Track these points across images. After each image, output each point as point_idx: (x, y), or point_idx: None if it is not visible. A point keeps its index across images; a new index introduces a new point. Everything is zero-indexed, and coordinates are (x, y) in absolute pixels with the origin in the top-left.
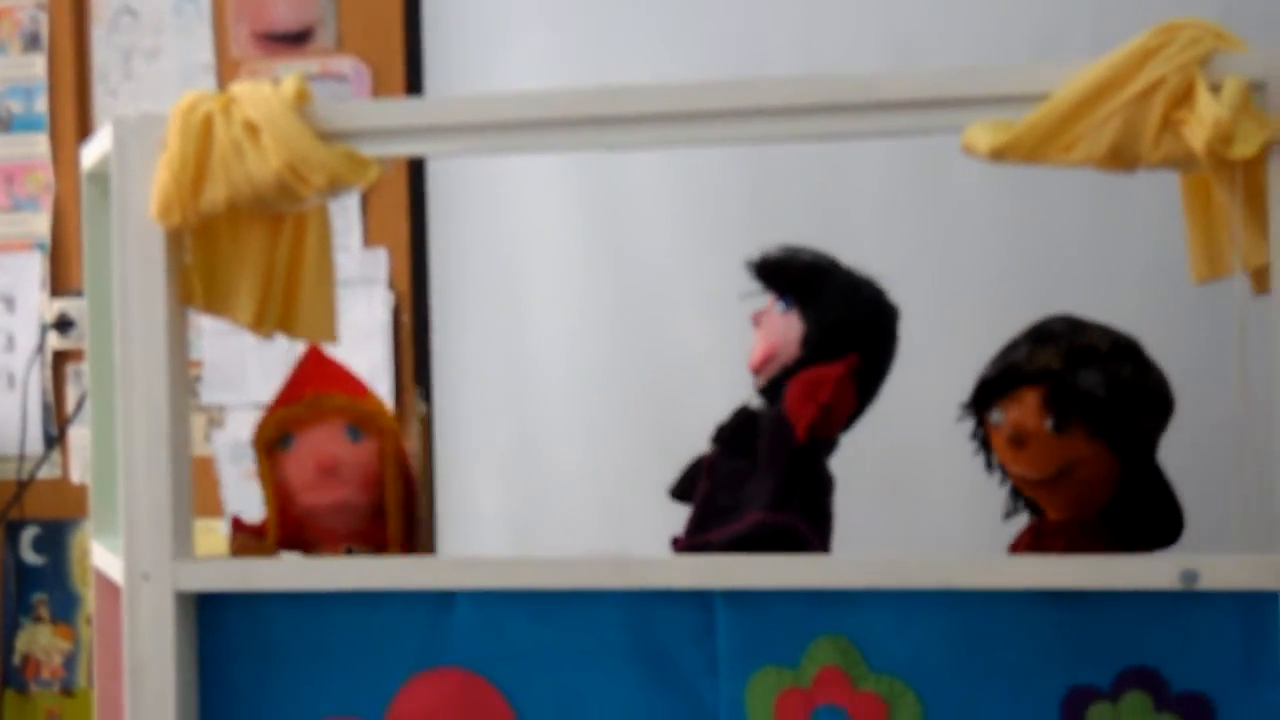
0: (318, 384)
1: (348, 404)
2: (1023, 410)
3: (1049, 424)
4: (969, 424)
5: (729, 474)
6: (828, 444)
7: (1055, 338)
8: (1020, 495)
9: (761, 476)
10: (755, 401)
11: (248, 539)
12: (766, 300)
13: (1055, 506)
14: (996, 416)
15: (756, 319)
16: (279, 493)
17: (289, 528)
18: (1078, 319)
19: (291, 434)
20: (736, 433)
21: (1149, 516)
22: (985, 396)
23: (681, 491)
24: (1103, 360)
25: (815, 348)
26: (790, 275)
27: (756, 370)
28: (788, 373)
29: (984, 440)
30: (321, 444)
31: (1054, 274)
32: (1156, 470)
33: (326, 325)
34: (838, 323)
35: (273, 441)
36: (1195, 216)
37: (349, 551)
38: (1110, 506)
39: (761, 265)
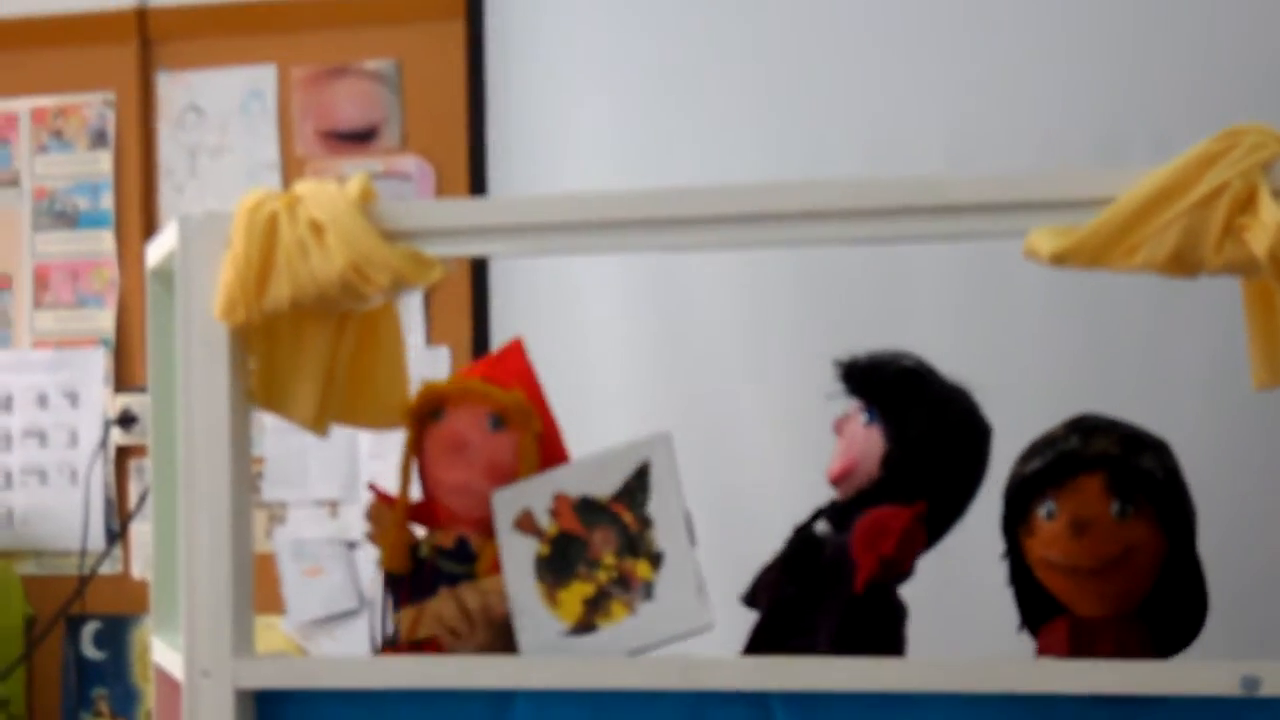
0: (486, 369)
1: (495, 392)
2: (1085, 496)
3: (1114, 507)
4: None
5: (789, 602)
6: (900, 577)
7: (1102, 428)
8: (1037, 599)
9: (824, 613)
10: (820, 525)
11: (381, 507)
12: (850, 405)
13: (1101, 600)
14: (1049, 508)
15: (839, 426)
16: (421, 463)
17: (425, 501)
18: (1106, 416)
19: (442, 409)
20: (796, 557)
21: (1182, 607)
22: (1035, 487)
23: (752, 598)
24: (1152, 448)
25: (896, 468)
26: (877, 385)
27: (835, 481)
28: (864, 496)
29: (1015, 540)
30: (462, 424)
31: (1113, 378)
32: (1196, 559)
33: (402, 413)
34: (921, 443)
35: (425, 413)
36: (1257, 323)
37: (459, 541)
38: (1148, 599)
39: (849, 370)
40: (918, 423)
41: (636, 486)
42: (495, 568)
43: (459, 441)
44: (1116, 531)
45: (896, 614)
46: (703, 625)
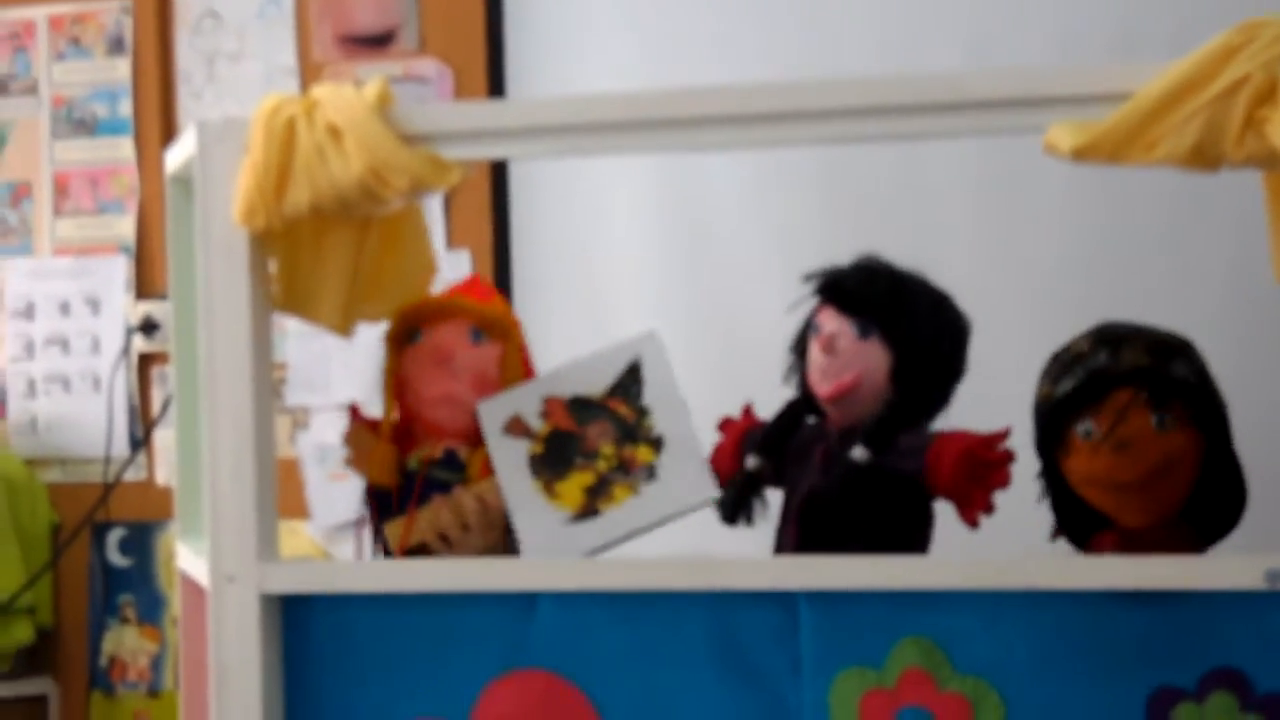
0: (473, 293)
1: (474, 306)
2: (1122, 413)
3: (1153, 421)
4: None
5: (838, 531)
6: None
7: (1129, 338)
8: (1081, 510)
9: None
10: (858, 451)
11: (361, 430)
12: (834, 322)
13: (1146, 509)
14: (1087, 427)
15: (826, 344)
16: (400, 387)
17: (404, 421)
18: (1127, 323)
19: (420, 329)
20: (848, 487)
21: (1222, 502)
22: (1071, 407)
23: (732, 514)
24: (1180, 352)
25: (905, 381)
26: (872, 301)
27: (832, 400)
28: (890, 418)
29: (1052, 459)
30: (444, 339)
31: (1135, 274)
32: (1234, 455)
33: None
34: (926, 352)
35: (401, 336)
36: (1277, 215)
37: (447, 453)
38: (1190, 499)
39: (835, 287)
40: (921, 332)
41: (630, 382)
42: (486, 472)
43: (443, 354)
44: (1157, 443)
45: (930, 526)
46: (707, 498)
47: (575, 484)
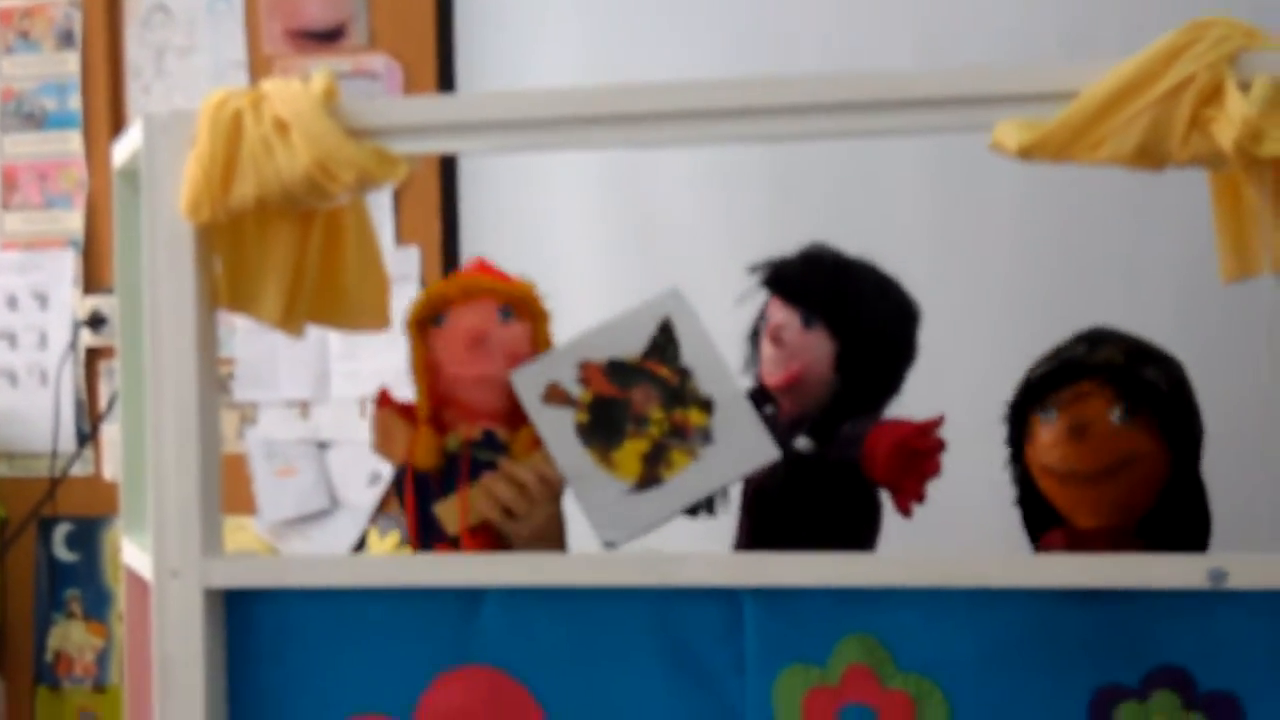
0: (491, 272)
1: (500, 285)
2: (1084, 401)
3: (1114, 413)
4: (1003, 428)
5: (783, 522)
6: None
7: (1109, 339)
8: (1040, 508)
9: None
10: (802, 441)
11: (392, 415)
12: (779, 313)
13: (1097, 509)
14: (1049, 413)
15: (774, 334)
16: (428, 371)
17: (434, 406)
18: (1119, 331)
19: (444, 312)
20: (790, 478)
21: (1184, 528)
22: (1039, 392)
23: (748, 516)
24: (1159, 361)
25: (851, 368)
26: (814, 290)
27: (780, 389)
28: (833, 408)
29: (1019, 449)
30: (472, 319)
31: (1082, 273)
32: (1199, 480)
33: (378, 313)
34: (871, 339)
35: (425, 319)
36: (1224, 216)
37: (486, 434)
38: (1148, 516)
39: (779, 278)
40: (864, 319)
41: (664, 342)
42: (530, 449)
43: (477, 335)
44: (1115, 437)
45: (878, 515)
46: (771, 454)
47: (631, 452)
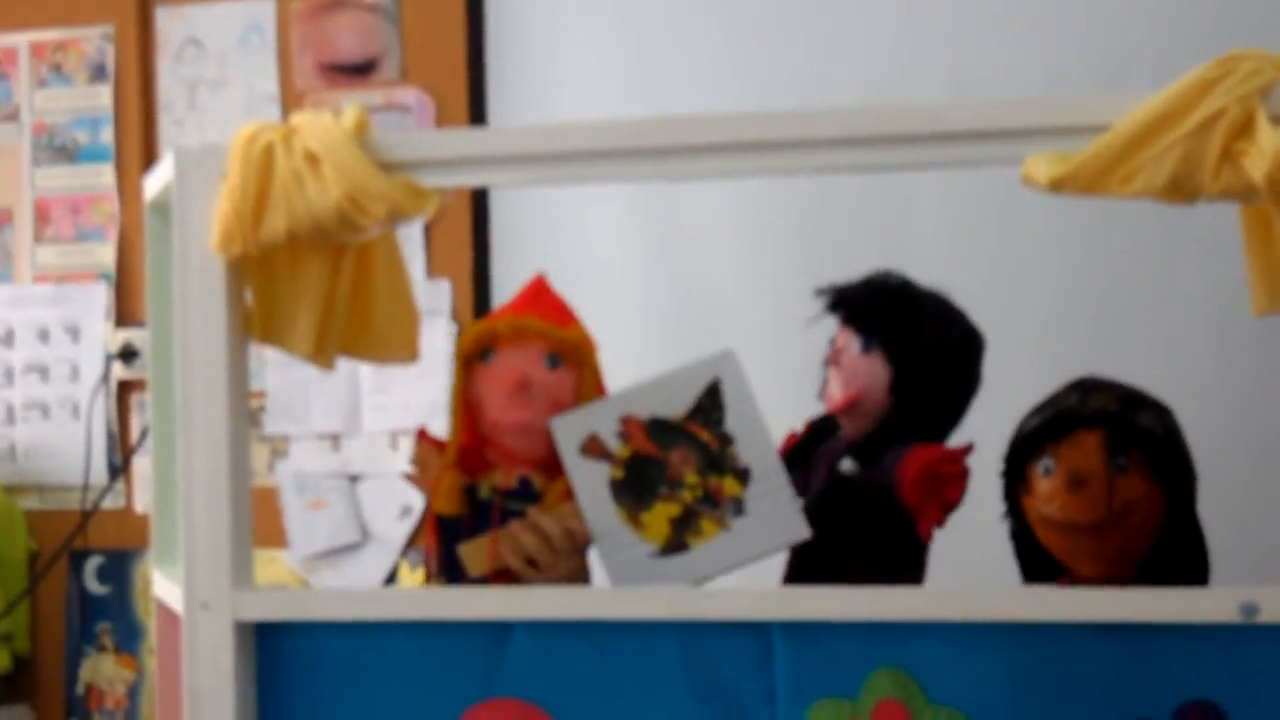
0: (532, 308)
1: (550, 330)
2: (1082, 451)
3: (1111, 464)
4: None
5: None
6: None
7: (1101, 387)
8: (1039, 557)
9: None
10: (846, 463)
11: (428, 449)
12: (841, 337)
13: (1098, 557)
14: (1046, 464)
15: (834, 358)
16: (469, 408)
17: (473, 444)
18: (1108, 379)
19: (492, 349)
20: (828, 497)
21: (1184, 571)
22: (1034, 444)
23: None
24: (1151, 407)
25: (905, 393)
26: (874, 312)
27: (838, 413)
28: (884, 429)
29: (1015, 499)
30: (519, 363)
31: (1113, 306)
32: (1197, 522)
33: (408, 346)
34: (928, 365)
35: (472, 354)
36: (1255, 248)
37: (522, 481)
38: (1148, 561)
39: (840, 298)
40: (922, 346)
41: (710, 405)
42: (564, 499)
43: (522, 381)
44: (1114, 486)
45: (915, 539)
46: (801, 535)
47: (661, 514)
